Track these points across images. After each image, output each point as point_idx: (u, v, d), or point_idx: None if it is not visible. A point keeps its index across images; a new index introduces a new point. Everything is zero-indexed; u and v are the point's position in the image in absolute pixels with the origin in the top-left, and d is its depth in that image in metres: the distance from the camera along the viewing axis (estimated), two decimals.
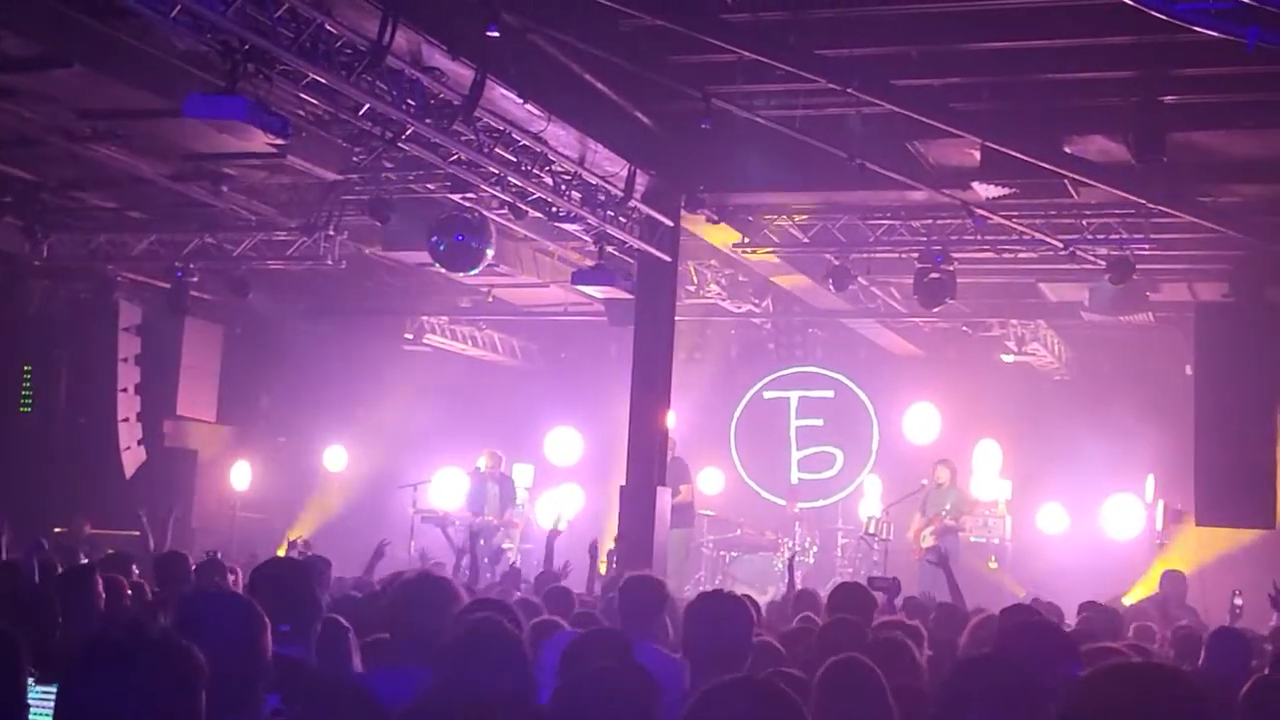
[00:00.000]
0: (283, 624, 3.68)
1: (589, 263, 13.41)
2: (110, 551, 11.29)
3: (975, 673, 3.69)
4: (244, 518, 18.16)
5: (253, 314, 18.48)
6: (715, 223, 13.36)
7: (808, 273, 15.51)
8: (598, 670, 3.58)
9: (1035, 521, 18.08)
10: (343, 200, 14.17)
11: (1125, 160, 11.19)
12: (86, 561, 9.24)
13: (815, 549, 17.44)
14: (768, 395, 20.09)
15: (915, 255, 13.95)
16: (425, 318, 19.45)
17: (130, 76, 10.42)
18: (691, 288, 16.16)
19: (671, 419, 13.44)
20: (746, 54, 9.81)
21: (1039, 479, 17.93)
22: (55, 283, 17.67)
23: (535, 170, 11.45)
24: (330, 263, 15.55)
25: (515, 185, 11.42)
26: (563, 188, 11.86)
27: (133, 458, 17.82)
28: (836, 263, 14.50)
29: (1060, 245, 13.08)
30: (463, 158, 10.78)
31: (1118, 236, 13.06)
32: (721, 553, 17.44)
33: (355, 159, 12.29)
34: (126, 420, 17.76)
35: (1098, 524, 17.89)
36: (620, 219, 12.57)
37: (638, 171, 12.18)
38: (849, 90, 9.99)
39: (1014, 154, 10.87)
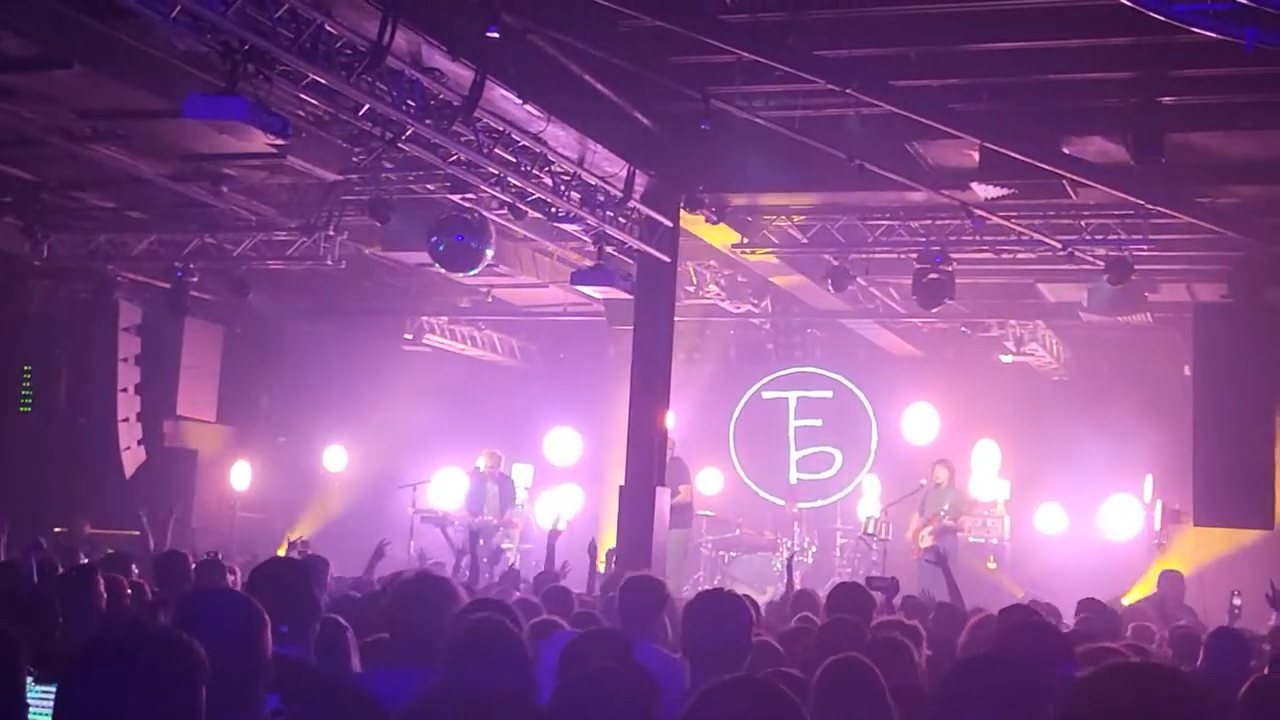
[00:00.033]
0: (282, 625, 3.68)
1: (588, 263, 13.42)
2: (110, 551, 11.30)
3: (974, 672, 3.70)
4: (244, 518, 18.17)
5: (253, 314, 18.49)
6: (714, 223, 13.37)
7: (807, 273, 15.52)
8: (597, 670, 3.59)
9: (1034, 522, 18.10)
10: (343, 200, 14.18)
11: (1124, 161, 11.20)
12: (88, 562, 9.24)
13: (814, 549, 17.45)
14: (767, 395, 20.10)
15: (914, 256, 13.96)
16: (425, 318, 19.47)
17: (130, 77, 10.43)
18: (691, 288, 16.18)
19: (671, 419, 13.44)
20: (745, 55, 9.82)
21: (1037, 479, 17.94)
22: (55, 283, 17.68)
23: (535, 171, 11.46)
24: (330, 263, 15.57)
25: (515, 186, 11.43)
26: (562, 188, 11.87)
27: (133, 458, 17.83)
28: (835, 263, 14.51)
29: (1059, 246, 13.09)
30: (462, 158, 10.78)
31: (1116, 237, 13.08)
32: (720, 553, 17.46)
33: (355, 159, 12.30)
34: (126, 420, 17.77)
35: (1096, 524, 17.90)
36: (619, 219, 12.58)
37: (637, 172, 12.19)
38: (848, 91, 10.00)
39: (1013, 155, 10.88)
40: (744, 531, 17.78)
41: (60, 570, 7.97)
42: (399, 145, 10.34)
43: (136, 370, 17.99)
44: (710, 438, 19.17)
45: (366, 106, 9.55)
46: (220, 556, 9.50)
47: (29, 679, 3.29)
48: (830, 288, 14.90)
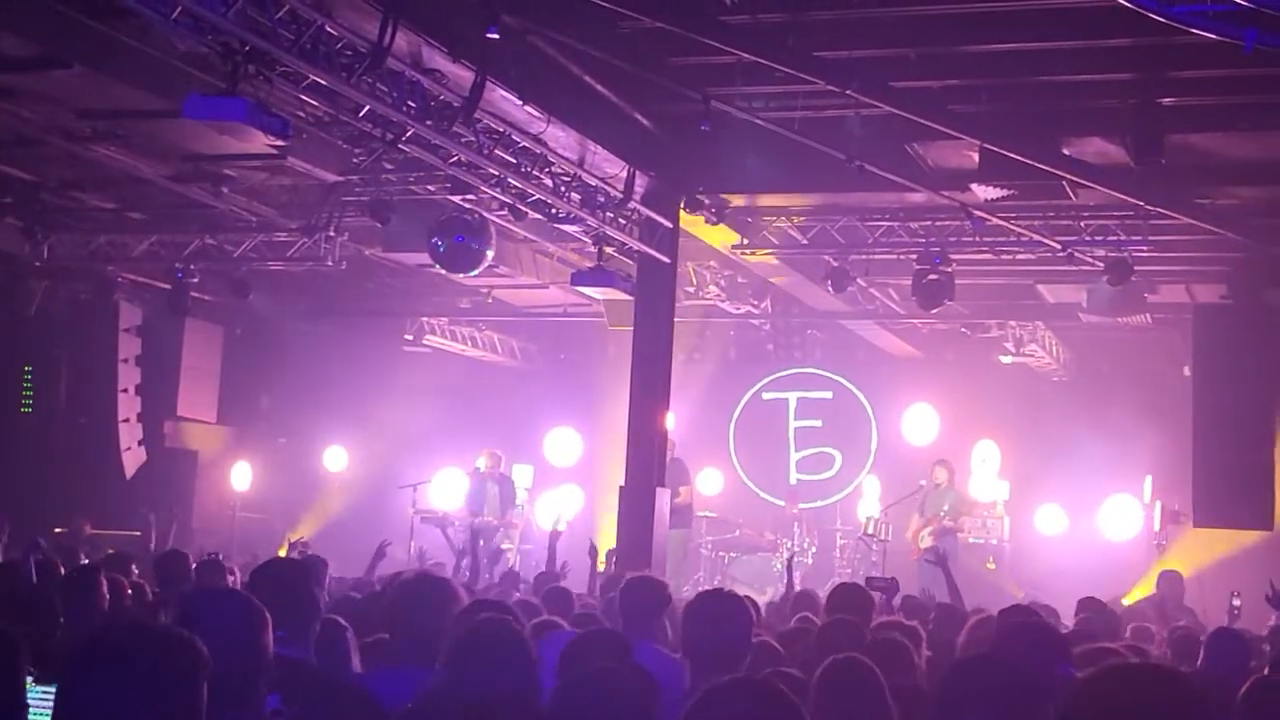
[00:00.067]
0: (280, 627, 3.68)
1: (588, 264, 13.42)
2: (110, 551, 11.31)
3: (972, 673, 3.71)
4: (244, 518, 18.17)
5: (253, 315, 18.50)
6: (714, 224, 13.37)
7: (806, 274, 15.53)
8: (597, 670, 3.59)
9: (1033, 522, 18.11)
10: (343, 201, 14.19)
11: (1123, 162, 11.21)
12: (90, 562, 9.24)
13: (814, 550, 17.46)
14: (766, 396, 20.11)
15: (914, 257, 13.97)
16: (425, 319, 19.47)
17: (130, 77, 10.44)
18: (691, 289, 16.18)
19: (671, 420, 13.45)
20: (745, 56, 9.83)
21: (1037, 480, 17.95)
22: (55, 283, 17.68)
23: (535, 172, 11.46)
24: (330, 264, 15.58)
25: (515, 187, 11.44)
26: (562, 189, 11.88)
27: (133, 458, 17.84)
28: (835, 264, 14.52)
29: (1058, 247, 13.10)
30: (463, 159, 10.79)
31: (1116, 238, 13.08)
32: (720, 553, 17.46)
33: (355, 160, 12.31)
34: (127, 421, 17.78)
35: (1096, 525, 17.91)
36: (619, 220, 12.59)
37: (637, 173, 12.20)
38: (848, 92, 10.01)
39: (1012, 156, 10.89)
40: (744, 532, 17.78)
41: (62, 571, 7.98)
42: (399, 146, 10.34)
43: (137, 371, 18.00)
44: (710, 438, 19.18)
45: (367, 108, 9.56)
46: (221, 557, 9.52)
47: (29, 679, 3.29)
48: (830, 289, 14.90)
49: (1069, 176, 11.30)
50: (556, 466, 20.14)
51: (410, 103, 9.67)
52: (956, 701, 3.57)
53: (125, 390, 17.80)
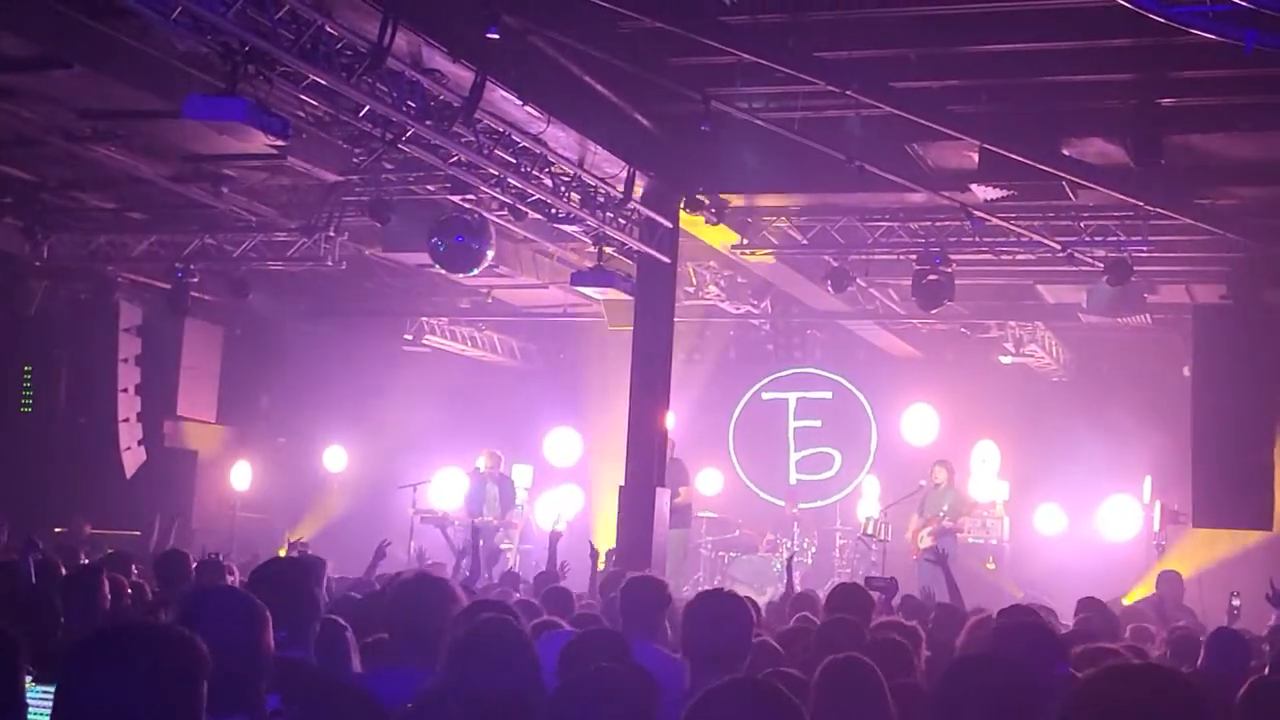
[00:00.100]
0: (281, 628, 3.68)
1: (588, 264, 13.43)
2: (110, 551, 11.31)
3: (969, 673, 3.71)
4: (244, 518, 18.17)
5: (253, 315, 18.51)
6: (714, 224, 13.37)
7: (806, 274, 15.53)
8: (597, 670, 3.59)
9: (1033, 522, 18.11)
10: (343, 201, 14.19)
11: (1123, 162, 11.21)
12: (93, 563, 9.24)
13: (813, 550, 17.46)
14: (766, 396, 20.11)
15: (914, 257, 13.98)
16: (425, 319, 19.48)
17: (130, 77, 10.44)
18: (690, 289, 16.18)
19: (670, 420, 13.45)
20: (745, 56, 9.83)
21: (1037, 480, 17.95)
22: (55, 283, 17.68)
23: (535, 172, 11.46)
24: (330, 264, 15.59)
25: (515, 187, 11.44)
26: (562, 189, 11.88)
27: (133, 458, 17.84)
28: (835, 264, 14.53)
29: (1058, 247, 13.10)
30: (463, 159, 10.79)
31: (1115, 239, 13.09)
32: (720, 553, 17.47)
33: (355, 160, 12.31)
34: (127, 420, 17.78)
35: (1095, 525, 17.91)
36: (619, 220, 12.59)
37: (637, 173, 12.20)
38: (848, 92, 10.01)
39: (1012, 156, 10.89)
40: (744, 532, 17.79)
41: (63, 571, 7.98)
42: (399, 146, 10.35)
43: (137, 371, 18.00)
44: (710, 439, 19.18)
45: (367, 108, 9.56)
46: (221, 557, 9.51)
47: (28, 679, 3.29)
48: (830, 289, 14.90)
49: (1069, 177, 11.30)
50: (556, 466, 20.14)
51: (410, 103, 9.67)
52: (955, 701, 3.57)
53: (125, 390, 17.79)
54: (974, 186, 11.79)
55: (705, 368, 19.38)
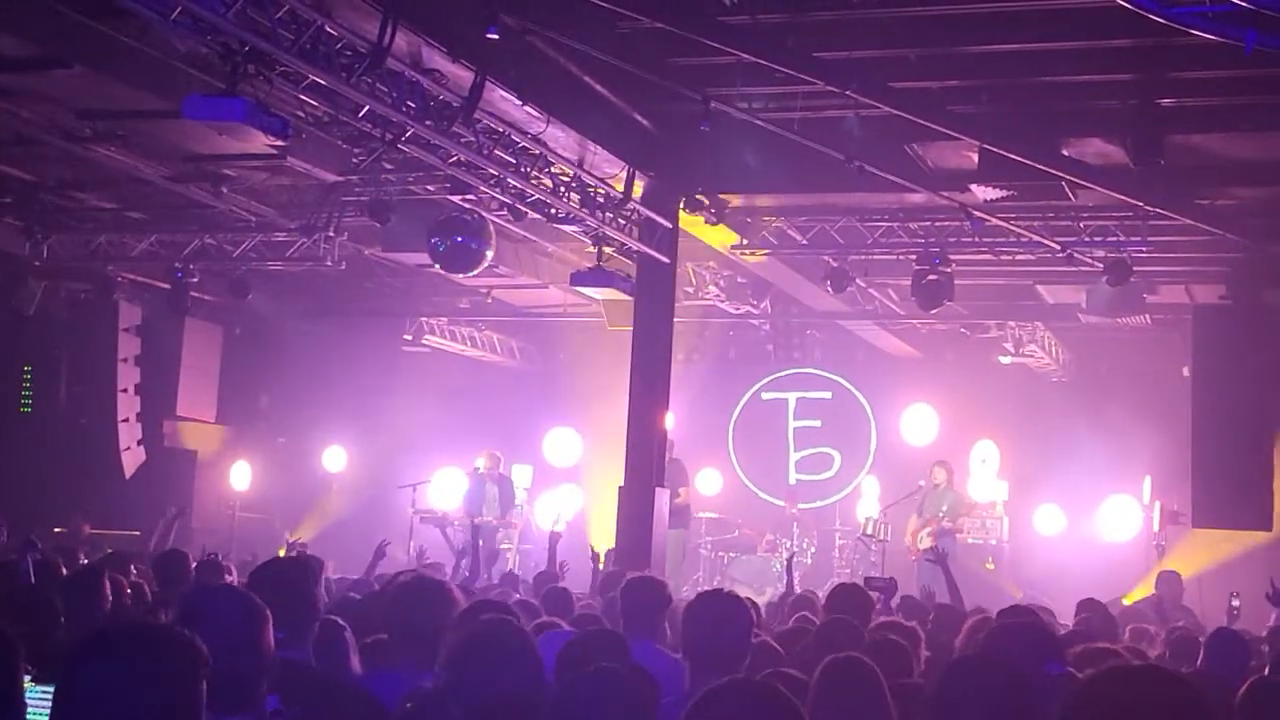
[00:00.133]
0: (280, 628, 3.67)
1: (588, 264, 13.43)
2: (109, 551, 11.31)
3: (965, 674, 3.71)
4: (243, 518, 18.16)
5: (252, 314, 18.51)
6: (714, 224, 13.37)
7: (806, 274, 15.54)
8: (597, 670, 3.59)
9: (1032, 523, 18.10)
10: (342, 201, 14.19)
11: (1123, 163, 11.21)
12: (94, 563, 9.23)
13: (813, 550, 17.46)
14: (766, 396, 20.11)
15: (913, 257, 13.98)
16: (424, 319, 19.48)
17: (130, 77, 10.44)
18: (690, 289, 16.18)
19: (670, 420, 13.45)
20: (745, 56, 9.83)
21: (1036, 480, 17.95)
22: (55, 283, 17.68)
23: (534, 172, 11.47)
24: (330, 264, 15.59)
25: (514, 187, 11.44)
26: (561, 189, 11.88)
27: (132, 458, 17.84)
28: (835, 264, 14.53)
29: (1058, 247, 13.11)
30: (462, 159, 10.79)
31: (1115, 239, 13.09)
32: (720, 554, 17.47)
33: (355, 160, 12.31)
34: (126, 420, 17.79)
35: (1095, 525, 17.91)
36: (619, 220, 12.59)
37: (636, 173, 12.20)
38: (847, 92, 10.01)
39: (1012, 156, 10.89)
40: (743, 532, 17.80)
41: (64, 571, 7.98)
42: (399, 146, 10.35)
43: (136, 370, 18.01)
44: (709, 439, 19.18)
45: (366, 108, 9.56)
46: (220, 557, 9.51)
47: (27, 678, 3.29)
48: (829, 289, 14.90)
49: (1068, 177, 11.31)
50: (556, 466, 20.14)
51: (410, 103, 9.67)
52: (953, 701, 3.58)
53: (125, 390, 17.80)
54: (973, 187, 11.79)
55: (705, 368, 19.38)
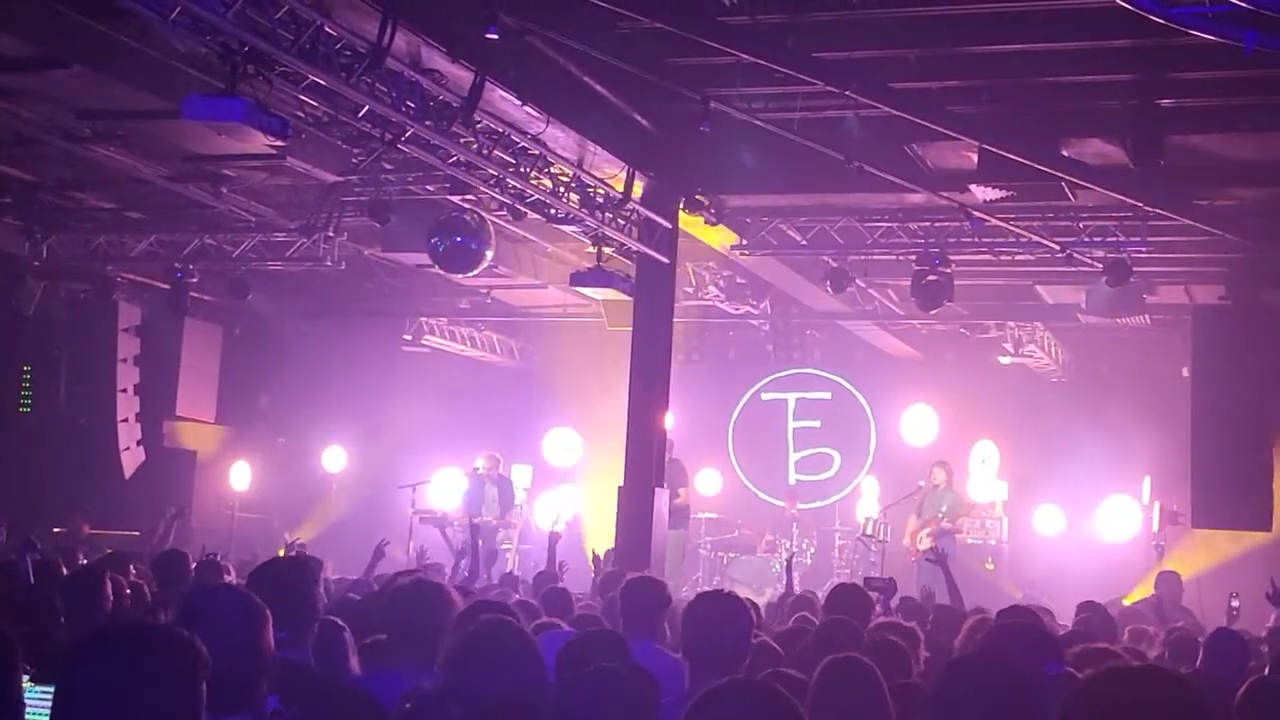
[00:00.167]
0: (280, 629, 3.67)
1: (587, 264, 13.43)
2: (109, 551, 11.30)
3: (963, 674, 3.71)
4: (243, 518, 18.17)
5: (252, 315, 18.52)
6: (713, 224, 13.38)
7: (806, 275, 15.54)
8: (596, 670, 3.59)
9: (1032, 523, 18.10)
10: (342, 202, 14.19)
11: (1122, 163, 11.22)
12: (95, 563, 9.23)
13: (813, 550, 17.46)
14: (765, 397, 20.11)
15: (913, 257, 13.98)
16: (424, 319, 19.49)
17: (130, 77, 10.44)
18: (690, 289, 16.19)
19: (670, 420, 13.45)
20: (745, 56, 9.83)
21: (1036, 480, 17.95)
22: (54, 283, 17.69)
23: (534, 172, 11.46)
24: (329, 264, 15.60)
25: (514, 187, 11.44)
26: (561, 189, 11.88)
27: (132, 458, 17.84)
28: (834, 265, 14.53)
29: (1057, 248, 13.11)
30: (462, 159, 10.79)
31: (1115, 239, 13.10)
32: (719, 554, 17.48)
33: (355, 160, 12.31)
34: (126, 420, 17.78)
35: (1094, 526, 17.91)
36: (618, 220, 12.59)
37: (636, 173, 12.20)
38: (847, 93, 10.01)
39: (1012, 157, 10.89)
40: (743, 533, 17.80)
41: (64, 571, 7.98)
42: (398, 146, 10.35)
43: (136, 371, 18.01)
44: (709, 439, 19.18)
45: (366, 108, 9.56)
46: (220, 557, 9.51)
47: (25, 678, 3.29)
48: (829, 289, 14.91)
49: (1068, 177, 11.31)
50: (555, 467, 20.14)
51: (409, 103, 9.67)
52: (952, 702, 3.58)
53: (124, 390, 17.80)
54: (973, 187, 11.79)
55: (704, 368, 19.39)
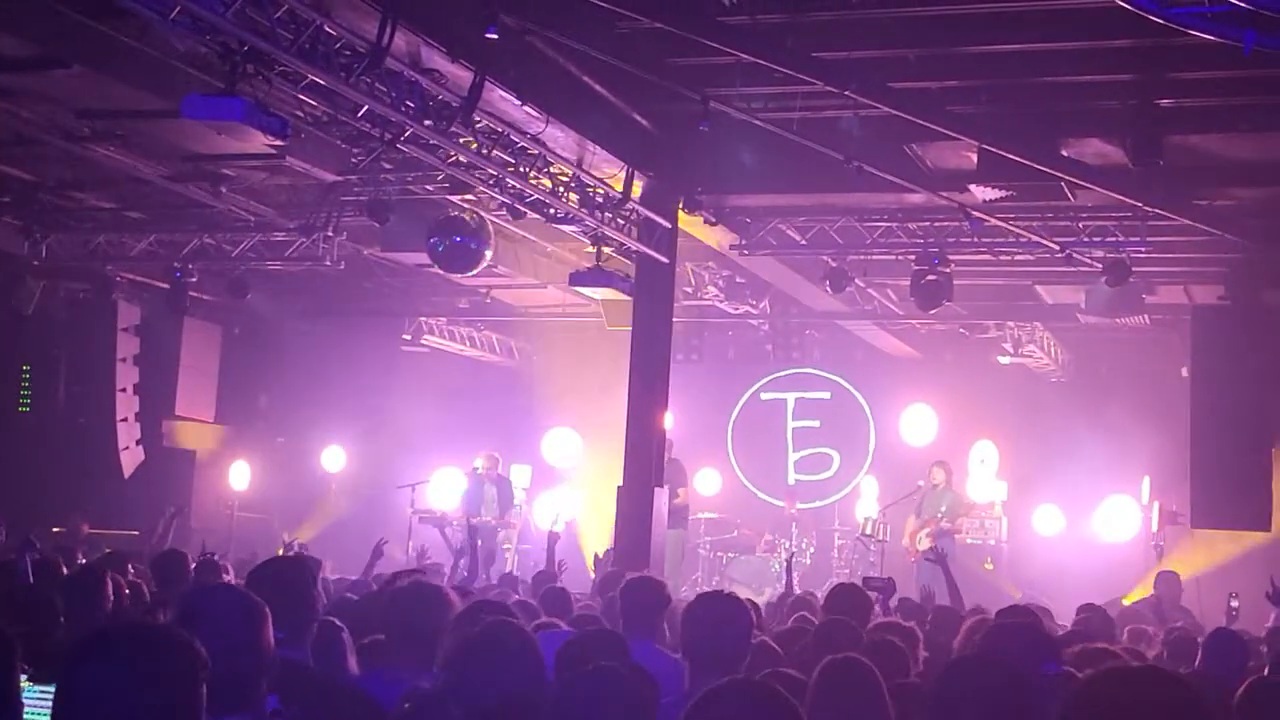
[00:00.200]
0: (279, 629, 3.67)
1: (587, 264, 13.43)
2: (108, 550, 11.30)
3: (966, 674, 3.72)
4: (242, 518, 18.17)
5: (251, 314, 18.51)
6: (713, 224, 13.38)
7: (805, 274, 15.54)
8: (596, 670, 3.59)
9: (1031, 523, 18.11)
10: (341, 201, 14.19)
11: (1122, 163, 11.22)
12: (94, 563, 9.23)
13: (812, 550, 17.46)
14: (765, 396, 20.12)
15: (912, 257, 13.98)
16: (423, 318, 19.49)
17: (130, 77, 10.44)
18: (689, 289, 16.19)
19: (669, 420, 13.45)
20: (744, 56, 9.83)
21: (1035, 480, 17.96)
22: (54, 282, 17.68)
23: (533, 172, 11.46)
24: (329, 263, 15.59)
25: (513, 187, 11.44)
26: (561, 189, 11.88)
27: (131, 457, 17.84)
28: (834, 265, 14.53)
29: (1057, 248, 13.11)
30: (461, 159, 10.80)
31: (1114, 239, 13.10)
32: (719, 554, 17.48)
33: (354, 160, 12.30)
34: (125, 420, 17.78)
35: (1093, 526, 17.92)
36: (618, 220, 12.59)
37: (635, 173, 12.20)
38: (846, 93, 10.01)
39: (1011, 157, 10.89)
40: (742, 532, 17.81)
41: (64, 571, 7.98)
42: (398, 146, 10.35)
43: (135, 370, 18.01)
44: (708, 439, 19.19)
45: (365, 107, 9.56)
46: (219, 557, 9.51)
47: (24, 678, 3.29)
48: (828, 289, 14.91)
49: (1067, 177, 11.32)
50: (554, 467, 20.14)
51: (409, 103, 9.67)
52: (952, 702, 3.58)
53: (123, 389, 17.80)
54: (973, 187, 11.79)
55: (704, 368, 19.38)
